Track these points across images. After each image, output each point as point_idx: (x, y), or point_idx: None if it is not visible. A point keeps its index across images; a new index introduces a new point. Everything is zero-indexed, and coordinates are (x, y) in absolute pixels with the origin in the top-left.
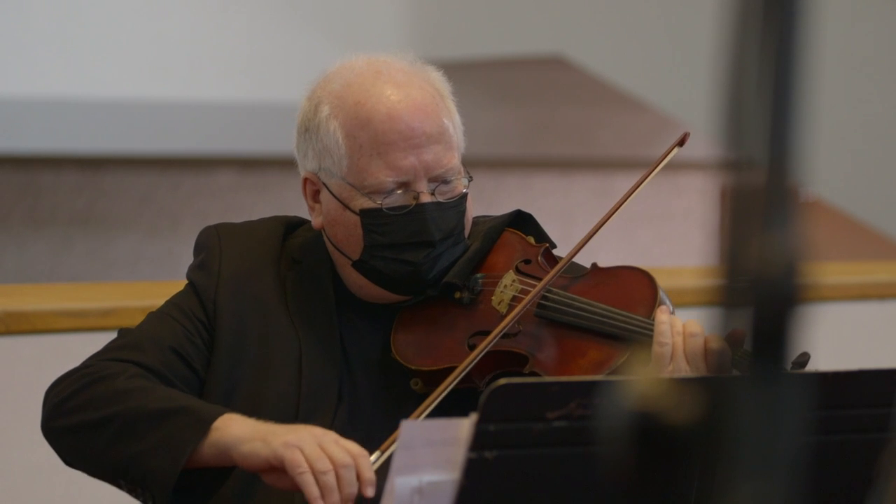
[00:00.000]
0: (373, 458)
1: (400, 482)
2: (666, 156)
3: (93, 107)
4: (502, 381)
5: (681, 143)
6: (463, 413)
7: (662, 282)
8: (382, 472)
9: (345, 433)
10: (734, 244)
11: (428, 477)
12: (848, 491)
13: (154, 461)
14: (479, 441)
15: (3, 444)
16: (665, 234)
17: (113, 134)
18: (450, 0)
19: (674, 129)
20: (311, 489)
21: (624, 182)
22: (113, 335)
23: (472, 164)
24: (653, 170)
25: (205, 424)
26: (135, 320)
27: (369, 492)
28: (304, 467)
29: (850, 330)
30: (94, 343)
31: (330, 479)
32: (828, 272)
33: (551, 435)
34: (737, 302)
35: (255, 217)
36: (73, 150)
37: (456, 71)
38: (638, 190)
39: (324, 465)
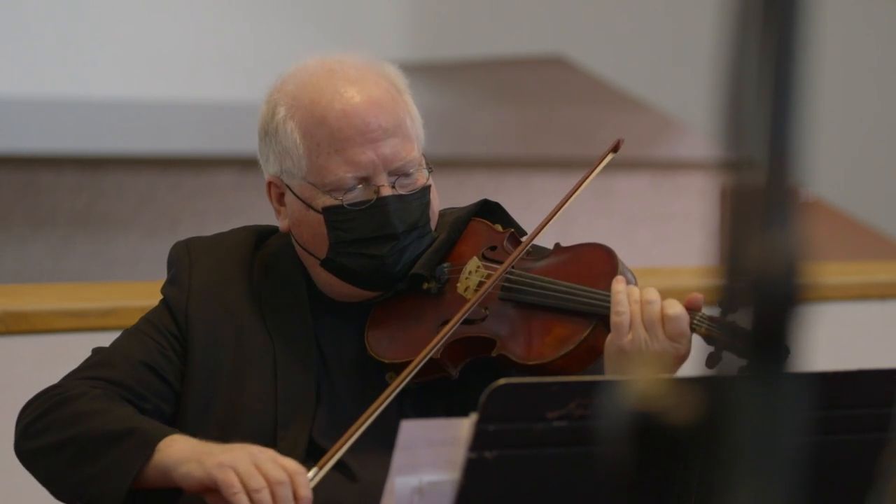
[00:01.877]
0: (310, 474)
1: (400, 482)
2: (601, 161)
3: (93, 107)
4: (502, 381)
5: (615, 149)
6: (444, 402)
7: (662, 282)
8: (384, 470)
9: (326, 434)
10: (734, 244)
11: (428, 477)
12: (848, 491)
13: (103, 484)
14: (478, 441)
15: (3, 444)
16: (665, 235)
17: (113, 134)
18: (450, 0)
19: (674, 130)
20: None
21: (624, 182)
22: (113, 335)
23: (471, 163)
24: (593, 170)
25: (149, 446)
26: (135, 320)
27: None
28: (237, 487)
29: (850, 330)
30: (94, 343)
31: (264, 496)
32: (828, 272)
33: (551, 435)
34: (737, 302)
35: (255, 217)
36: (73, 150)
37: (456, 71)
38: (582, 188)
39: (257, 482)
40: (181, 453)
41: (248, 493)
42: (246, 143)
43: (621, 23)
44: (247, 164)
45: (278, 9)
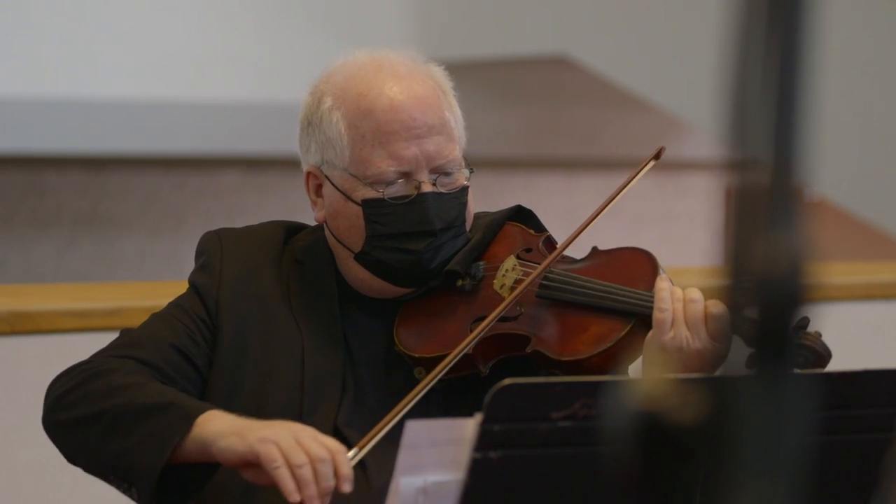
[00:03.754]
0: (350, 454)
1: (405, 482)
2: (643, 168)
3: (97, 107)
4: (507, 381)
5: (657, 156)
6: (470, 400)
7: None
8: (388, 470)
9: (349, 425)
10: (739, 244)
11: (433, 477)
12: (853, 491)
13: (139, 456)
14: (483, 441)
15: (8, 444)
16: (669, 235)
17: (117, 134)
18: (455, 0)
19: (678, 130)
20: (287, 483)
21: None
22: (117, 335)
23: (475, 163)
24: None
25: (188, 420)
26: (140, 320)
27: (346, 487)
28: (280, 462)
29: (855, 330)
30: (99, 343)
31: (306, 472)
32: (833, 272)
33: (556, 435)
34: (742, 302)
35: (259, 217)
36: (77, 150)
37: (460, 71)
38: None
39: (299, 458)
40: (221, 427)
41: (290, 467)
42: (250, 143)
43: (626, 23)
44: (251, 164)
45: (283, 9)
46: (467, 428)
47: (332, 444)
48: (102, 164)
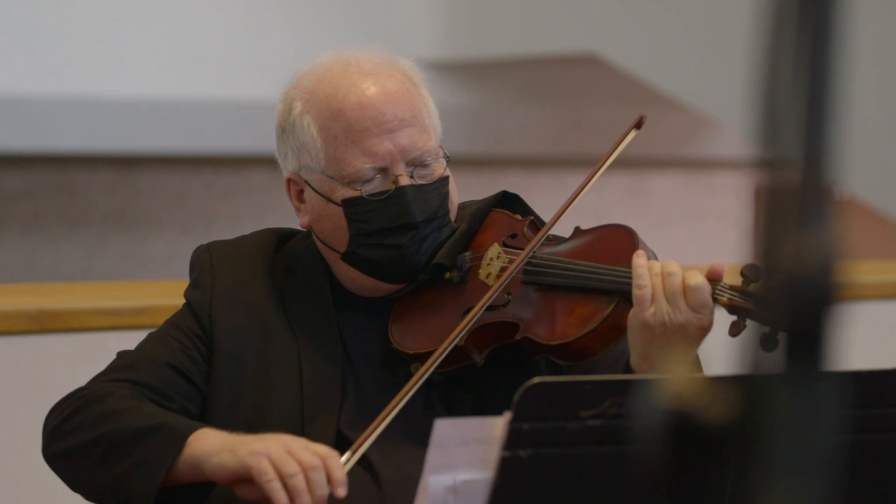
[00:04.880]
0: (343, 458)
1: (434, 481)
2: (624, 138)
3: (127, 106)
4: (536, 379)
5: (637, 125)
6: (469, 392)
7: None
8: (408, 462)
9: (353, 426)
10: (769, 243)
11: (462, 476)
12: (884, 490)
13: (134, 481)
14: (512, 440)
15: (39, 443)
16: (699, 233)
17: (147, 133)
18: None
19: (708, 128)
20: (279, 495)
21: (658, 181)
22: (147, 333)
23: (505, 162)
24: (615, 148)
25: (180, 440)
26: (168, 318)
27: (340, 492)
28: (271, 475)
29: (886, 328)
30: (129, 341)
31: (298, 481)
32: (863, 271)
33: (585, 434)
34: (772, 301)
35: (289, 215)
36: (107, 148)
37: (489, 70)
38: (602, 169)
39: (291, 468)
40: (212, 445)
41: (282, 479)
42: None
43: (655, 21)
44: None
45: (312, 8)
46: (496, 426)
47: (324, 450)
48: (132, 162)
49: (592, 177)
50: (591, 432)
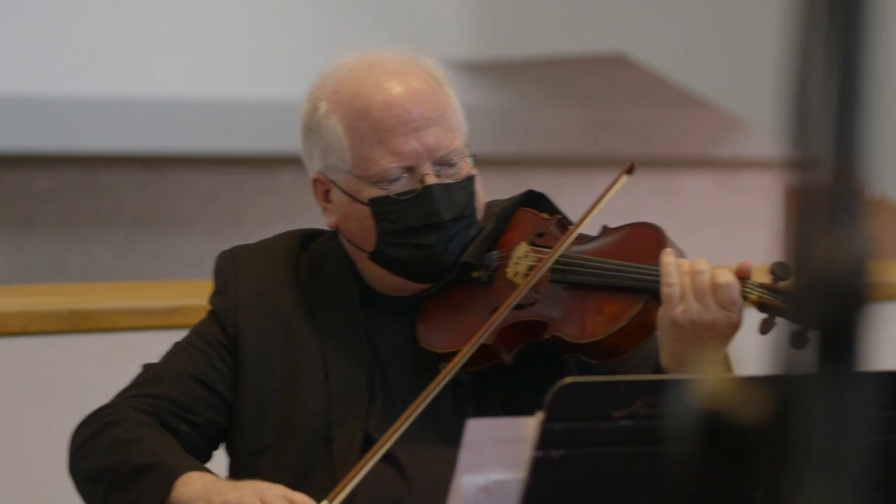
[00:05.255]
0: None
1: (466, 481)
2: (614, 184)
3: (157, 106)
4: (568, 379)
5: (628, 171)
6: (498, 391)
7: None
8: (437, 463)
9: (382, 429)
10: (800, 243)
11: (494, 476)
12: None
13: None
14: (545, 440)
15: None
16: (729, 233)
17: (177, 133)
18: None
19: (738, 128)
20: None
21: (688, 182)
22: (178, 333)
23: (534, 162)
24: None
25: (167, 483)
26: (199, 318)
27: None
28: None
29: None
30: (159, 341)
31: None
32: (895, 271)
33: (618, 434)
34: (803, 301)
35: (318, 216)
36: (137, 149)
37: (519, 70)
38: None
39: None
40: (194, 491)
41: None
42: None
43: (684, 21)
44: None
45: (341, 8)
46: (529, 426)
47: (301, 499)
48: (162, 162)
49: (595, 206)
50: (623, 432)
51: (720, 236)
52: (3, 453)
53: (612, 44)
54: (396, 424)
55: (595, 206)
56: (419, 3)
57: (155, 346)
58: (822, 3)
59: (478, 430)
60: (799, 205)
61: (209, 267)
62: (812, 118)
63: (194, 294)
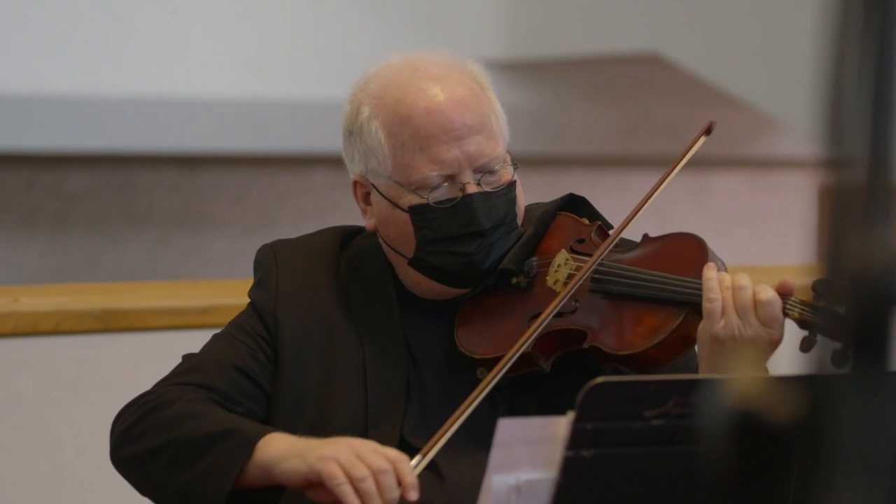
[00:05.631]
0: (413, 461)
1: (497, 480)
2: (693, 144)
3: (190, 105)
4: (600, 379)
5: (707, 131)
6: (536, 397)
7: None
8: (473, 467)
9: (417, 433)
10: (834, 243)
11: (525, 475)
12: None
13: (204, 486)
14: (576, 439)
15: (102, 441)
16: (762, 233)
17: (210, 132)
18: None
19: (773, 128)
20: (350, 499)
21: (721, 181)
22: (210, 333)
23: (567, 161)
24: (684, 155)
25: (249, 446)
26: (231, 318)
27: (412, 496)
28: (341, 478)
29: None
30: (192, 340)
31: (368, 485)
32: None
33: (649, 433)
34: (837, 300)
35: (350, 214)
36: (170, 148)
37: (552, 69)
38: (670, 178)
39: (361, 472)
40: (281, 450)
41: (353, 483)
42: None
43: (718, 20)
44: (342, 162)
45: (374, 7)
46: (560, 426)
47: (394, 454)
48: (195, 162)
49: (662, 183)
50: (654, 432)
51: (753, 236)
52: (36, 452)
53: (646, 43)
54: (445, 427)
55: (670, 173)
56: (453, 2)
57: (187, 346)
58: (857, 2)
59: (509, 429)
60: (832, 204)
61: (242, 266)
62: (846, 118)
63: (227, 293)
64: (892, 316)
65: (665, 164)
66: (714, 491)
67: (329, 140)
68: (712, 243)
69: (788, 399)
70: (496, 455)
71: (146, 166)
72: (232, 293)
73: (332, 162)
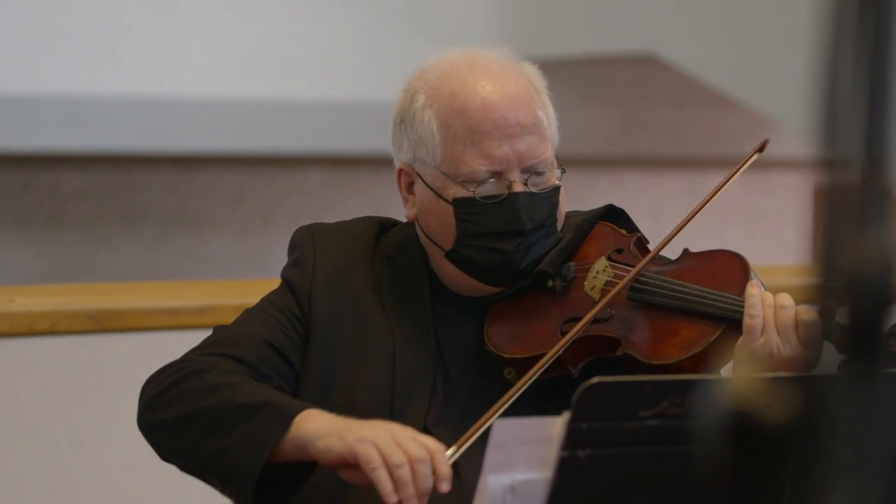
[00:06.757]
0: (449, 452)
1: (493, 480)
2: (746, 161)
3: (185, 105)
4: (595, 379)
5: (760, 149)
6: (561, 401)
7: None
8: (475, 467)
9: (439, 424)
10: (829, 243)
11: (521, 475)
12: None
13: (238, 456)
14: (571, 440)
15: (98, 442)
16: (757, 233)
17: (205, 132)
18: None
19: (766, 128)
20: (385, 484)
21: (716, 181)
22: (206, 333)
23: (563, 161)
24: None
25: (286, 419)
26: (228, 318)
27: (444, 487)
28: (378, 462)
29: None
30: (188, 341)
31: (404, 472)
32: None
33: (644, 434)
34: (832, 301)
35: (346, 215)
36: (165, 148)
37: (547, 69)
38: (727, 186)
39: (398, 458)
40: (319, 427)
41: (389, 468)
42: (337, 141)
43: (713, 21)
44: (338, 162)
45: (369, 8)
46: (555, 426)
47: (431, 443)
48: (190, 162)
49: (710, 198)
50: (649, 432)
51: (748, 236)
52: (32, 452)
53: (641, 44)
54: (478, 424)
55: (723, 185)
56: (449, 3)
57: (183, 346)
58: (852, 3)
59: (505, 429)
60: (828, 205)
61: (237, 267)
62: (841, 118)
63: (223, 294)
64: (887, 317)
65: (661, 164)
66: (709, 491)
67: (324, 140)
68: (708, 243)
69: (783, 399)
70: (491, 455)
71: (141, 166)
72: (228, 293)
73: (328, 162)
